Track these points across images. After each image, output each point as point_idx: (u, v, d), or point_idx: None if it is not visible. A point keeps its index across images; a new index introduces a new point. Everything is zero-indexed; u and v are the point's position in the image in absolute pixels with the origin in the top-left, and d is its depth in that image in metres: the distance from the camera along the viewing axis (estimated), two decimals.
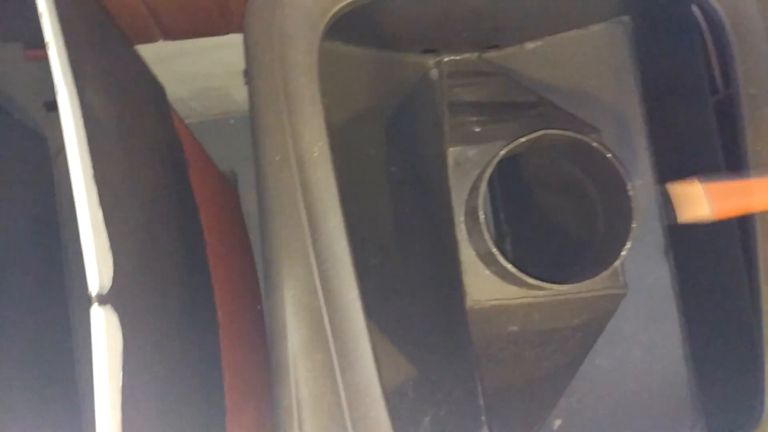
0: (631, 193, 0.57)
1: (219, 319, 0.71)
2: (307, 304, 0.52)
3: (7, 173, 0.62)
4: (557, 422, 0.75)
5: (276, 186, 0.54)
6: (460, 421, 0.73)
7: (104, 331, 0.35)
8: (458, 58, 0.74)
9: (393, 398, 0.70)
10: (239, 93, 1.32)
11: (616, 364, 0.73)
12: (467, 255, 0.61)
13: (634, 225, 0.56)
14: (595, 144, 0.57)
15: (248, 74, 0.57)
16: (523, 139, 0.56)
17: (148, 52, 0.85)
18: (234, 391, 0.72)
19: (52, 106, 0.71)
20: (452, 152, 0.63)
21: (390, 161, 0.75)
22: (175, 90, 1.19)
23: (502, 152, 0.56)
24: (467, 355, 0.69)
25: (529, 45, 0.75)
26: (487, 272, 0.61)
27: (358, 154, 0.74)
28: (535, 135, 0.57)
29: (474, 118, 0.67)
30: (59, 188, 0.67)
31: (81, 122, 0.36)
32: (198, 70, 1.14)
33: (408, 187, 0.75)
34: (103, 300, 0.35)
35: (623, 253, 0.56)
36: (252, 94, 0.57)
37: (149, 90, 0.64)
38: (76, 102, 0.37)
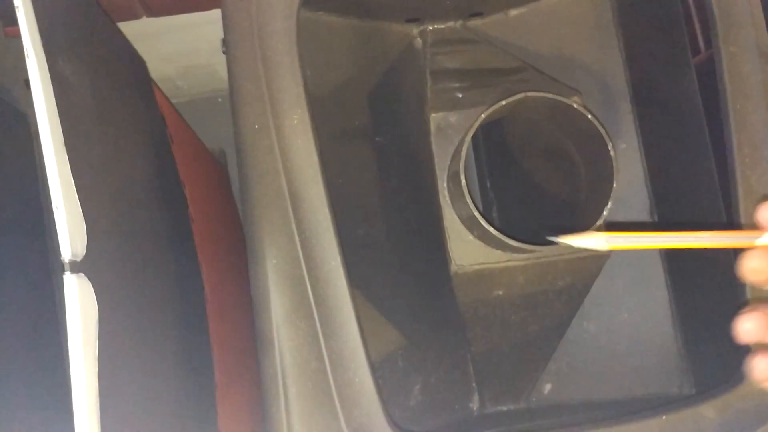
0: (612, 153, 0.57)
1: (207, 294, 0.71)
2: (290, 272, 0.52)
3: None
4: (547, 386, 0.75)
5: (255, 155, 0.53)
6: (451, 389, 0.74)
7: (77, 300, 0.34)
8: (442, 26, 0.74)
9: (382, 367, 0.71)
10: (225, 70, 1.32)
11: (604, 327, 0.73)
12: (451, 221, 0.61)
13: (615, 185, 0.56)
14: (575, 105, 0.57)
15: (226, 42, 0.57)
16: (503, 102, 0.56)
17: (131, 29, 0.84)
18: (224, 368, 0.73)
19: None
20: (434, 118, 0.63)
21: (375, 132, 0.75)
22: (160, 68, 1.19)
23: (483, 115, 0.56)
24: (456, 323, 0.70)
25: (513, 12, 0.75)
26: (471, 237, 0.61)
27: (342, 126, 0.73)
28: (515, 97, 0.56)
29: (457, 85, 0.66)
30: (41, 166, 0.67)
31: (50, 86, 0.36)
32: (183, 47, 1.13)
33: (394, 157, 0.75)
34: (76, 268, 0.35)
35: (605, 213, 0.56)
36: (230, 62, 0.56)
37: (129, 63, 0.64)
38: (45, 65, 0.36)
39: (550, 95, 0.57)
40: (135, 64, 0.66)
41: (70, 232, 0.35)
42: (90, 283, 0.35)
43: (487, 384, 0.74)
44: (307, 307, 0.51)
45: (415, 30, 0.74)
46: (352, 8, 0.71)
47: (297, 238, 0.52)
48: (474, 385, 0.75)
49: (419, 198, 0.69)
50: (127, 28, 0.83)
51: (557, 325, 0.69)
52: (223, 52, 0.57)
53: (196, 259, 0.66)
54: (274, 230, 0.52)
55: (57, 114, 0.35)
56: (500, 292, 0.63)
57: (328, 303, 0.51)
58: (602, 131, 0.57)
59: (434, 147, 0.63)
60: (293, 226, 0.52)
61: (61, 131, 0.35)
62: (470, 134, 0.56)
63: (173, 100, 0.96)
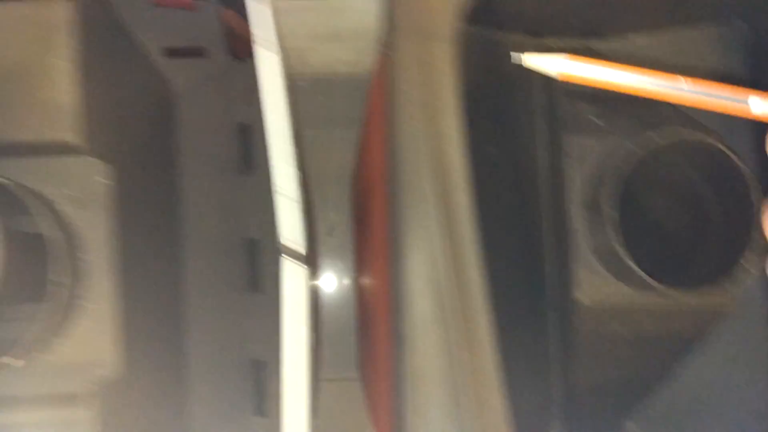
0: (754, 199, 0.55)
1: None
2: (432, 277, 0.51)
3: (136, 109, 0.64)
4: (630, 424, 0.74)
5: (409, 156, 0.53)
6: (529, 415, 0.73)
7: None
8: (561, 43, 0.72)
9: None
10: (315, 56, 1.31)
11: (700, 377, 0.71)
12: (580, 249, 0.60)
13: (755, 234, 0.55)
14: (729, 152, 0.56)
15: (388, 44, 0.56)
16: (659, 140, 0.55)
17: None
18: None
19: (170, 52, 0.74)
20: (570, 140, 0.62)
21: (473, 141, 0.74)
22: None
23: (641, 152, 0.55)
24: (548, 351, 0.68)
25: (635, 37, 0.73)
26: (600, 269, 0.60)
27: None
28: (671, 139, 0.55)
29: (589, 107, 0.65)
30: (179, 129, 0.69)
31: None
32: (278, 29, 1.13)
33: (495, 173, 0.73)
34: None
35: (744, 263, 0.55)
36: (391, 65, 0.56)
37: None
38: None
39: (709, 139, 0.56)
40: None
41: None
42: None
43: (569, 417, 0.73)
44: (446, 315, 0.51)
45: (530, 42, 0.72)
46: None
47: (442, 244, 0.52)
48: (554, 412, 0.74)
49: (527, 221, 0.68)
50: None
51: (661, 370, 0.67)
52: (382, 53, 0.57)
53: None
54: (421, 233, 0.52)
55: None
56: (619, 329, 0.62)
57: (467, 314, 0.51)
58: (750, 181, 0.56)
59: (567, 170, 0.62)
60: (440, 231, 0.52)
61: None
62: (628, 168, 0.55)
63: None
